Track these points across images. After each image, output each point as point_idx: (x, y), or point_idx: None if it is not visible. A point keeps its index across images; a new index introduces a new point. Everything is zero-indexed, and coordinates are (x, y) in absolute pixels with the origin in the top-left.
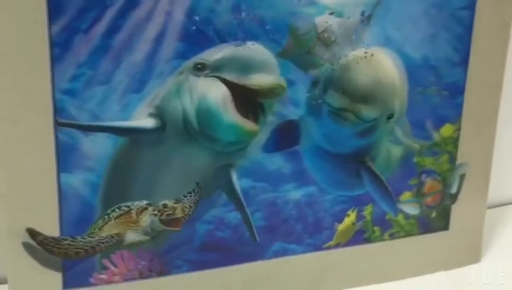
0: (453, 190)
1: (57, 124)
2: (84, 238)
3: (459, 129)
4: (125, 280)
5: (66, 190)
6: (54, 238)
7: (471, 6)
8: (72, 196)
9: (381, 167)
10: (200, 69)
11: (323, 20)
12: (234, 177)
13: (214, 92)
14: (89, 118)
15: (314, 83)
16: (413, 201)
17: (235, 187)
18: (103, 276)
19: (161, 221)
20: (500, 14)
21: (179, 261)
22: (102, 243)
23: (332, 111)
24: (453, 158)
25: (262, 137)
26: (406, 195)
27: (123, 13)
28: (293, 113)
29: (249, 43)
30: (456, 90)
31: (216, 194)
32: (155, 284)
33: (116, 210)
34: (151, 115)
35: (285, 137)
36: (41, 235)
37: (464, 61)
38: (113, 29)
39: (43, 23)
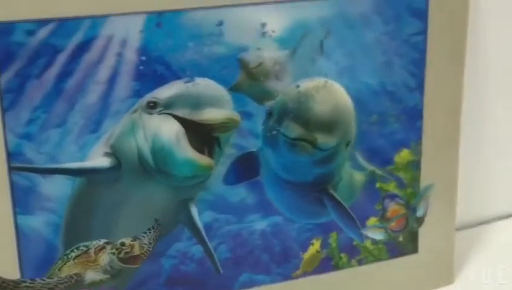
0: (419, 213)
1: (11, 169)
2: (44, 280)
3: (419, 152)
4: None
5: (27, 232)
6: (12, 281)
7: (423, 31)
8: (33, 237)
9: (345, 194)
10: (152, 107)
11: (272, 53)
12: (194, 211)
13: (167, 129)
14: (46, 160)
15: (269, 115)
16: (378, 226)
17: (195, 221)
18: None
19: (119, 259)
20: (452, 35)
21: None
22: (61, 283)
23: (287, 141)
24: (402, 183)
25: (222, 170)
26: (372, 220)
27: (74, 58)
28: (252, 144)
29: (199, 79)
30: (415, 114)
31: (179, 229)
32: None
33: (75, 250)
34: (106, 154)
35: (246, 169)
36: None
37: (421, 86)
38: (65, 73)
39: None
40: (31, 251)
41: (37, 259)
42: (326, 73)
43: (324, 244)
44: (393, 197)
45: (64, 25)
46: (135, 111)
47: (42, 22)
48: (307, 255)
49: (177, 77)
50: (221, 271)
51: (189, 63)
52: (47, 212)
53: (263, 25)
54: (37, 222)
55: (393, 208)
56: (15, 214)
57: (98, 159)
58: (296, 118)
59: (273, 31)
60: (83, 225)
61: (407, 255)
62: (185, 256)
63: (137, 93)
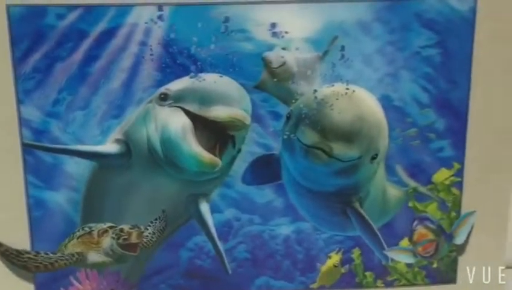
0: (458, 241)
1: (24, 145)
2: (47, 254)
3: (457, 175)
4: None
5: (52, 207)
6: (16, 250)
7: (439, 44)
8: (57, 212)
9: (375, 210)
10: (163, 98)
11: (298, 55)
12: (203, 206)
13: (175, 122)
14: (72, 140)
15: (288, 118)
16: (404, 249)
17: (204, 217)
18: None
19: (118, 244)
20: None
21: (162, 286)
22: (62, 260)
23: (303, 148)
24: (445, 206)
25: (240, 168)
26: (405, 242)
27: (99, 43)
28: (273, 147)
29: (205, 75)
30: (459, 133)
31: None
32: None
33: (80, 230)
34: (117, 140)
35: (265, 171)
36: (3, 247)
37: (435, 102)
38: (90, 58)
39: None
40: (49, 225)
41: (55, 234)
42: (354, 80)
43: (346, 260)
44: (423, 219)
45: (92, 11)
46: (150, 101)
47: (72, 7)
48: (324, 268)
49: (199, 71)
50: (230, 271)
51: (213, 57)
52: (69, 189)
53: (289, 24)
54: (62, 198)
55: (420, 231)
56: (26, 187)
57: (107, 145)
58: (312, 125)
59: (302, 32)
60: (97, 206)
61: (444, 283)
62: (202, 251)
63: (159, 84)
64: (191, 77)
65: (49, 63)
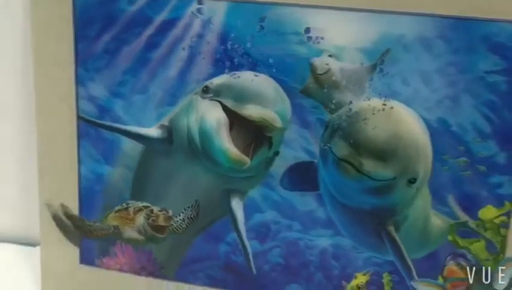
0: (499, 286)
1: (79, 118)
2: (93, 222)
3: (506, 215)
4: (124, 271)
5: (107, 181)
6: (72, 215)
7: (507, 71)
8: (111, 187)
9: (413, 237)
10: (205, 91)
11: (344, 64)
12: (235, 203)
13: (211, 115)
14: (131, 120)
15: (326, 127)
16: (436, 283)
17: (235, 213)
18: (106, 261)
19: (148, 224)
20: None
21: (201, 275)
22: (101, 229)
23: (335, 160)
24: (493, 246)
25: (279, 171)
26: None
27: (161, 31)
28: (311, 155)
29: (240, 73)
30: (495, 168)
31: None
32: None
33: (119, 205)
34: (162, 126)
35: (303, 178)
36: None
37: (498, 134)
38: (152, 44)
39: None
40: (100, 197)
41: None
42: (379, 95)
43: (375, 283)
44: (457, 256)
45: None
46: (196, 93)
47: None
48: (348, 286)
49: (251, 69)
50: (254, 271)
51: (267, 57)
52: (123, 167)
53: (342, 33)
54: (117, 174)
55: (450, 267)
56: (79, 162)
57: (151, 129)
58: (345, 137)
59: (355, 42)
60: (143, 186)
61: None
62: (237, 247)
63: (211, 77)
64: (228, 73)
65: (118, 46)
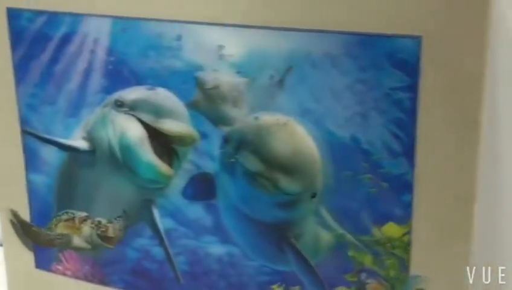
0: None
1: (23, 132)
2: (47, 232)
3: (409, 233)
4: (75, 278)
5: (33, 188)
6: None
7: (410, 88)
8: (38, 192)
9: (308, 250)
10: (119, 105)
11: (230, 78)
12: (156, 213)
13: (132, 130)
14: (44, 131)
15: (225, 140)
16: None
17: (157, 223)
18: (59, 267)
19: (98, 235)
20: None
21: (115, 277)
22: (57, 238)
23: (248, 174)
24: (404, 266)
25: (181, 182)
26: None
27: (60, 47)
28: (208, 166)
29: (160, 89)
30: (401, 186)
31: (142, 225)
32: None
33: (65, 214)
34: (84, 138)
35: (202, 188)
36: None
37: (407, 152)
38: (54, 59)
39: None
40: (37, 203)
41: (40, 212)
42: (288, 111)
43: None
44: (371, 273)
45: (53, 18)
46: (106, 106)
47: (38, 13)
48: None
49: (138, 83)
50: (182, 281)
51: (150, 71)
52: (44, 174)
53: (220, 47)
54: (40, 180)
55: (374, 286)
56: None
57: (79, 141)
58: (256, 152)
59: (231, 56)
60: (67, 194)
61: None
62: (148, 254)
63: (106, 90)
64: (148, 89)
65: (26, 61)
